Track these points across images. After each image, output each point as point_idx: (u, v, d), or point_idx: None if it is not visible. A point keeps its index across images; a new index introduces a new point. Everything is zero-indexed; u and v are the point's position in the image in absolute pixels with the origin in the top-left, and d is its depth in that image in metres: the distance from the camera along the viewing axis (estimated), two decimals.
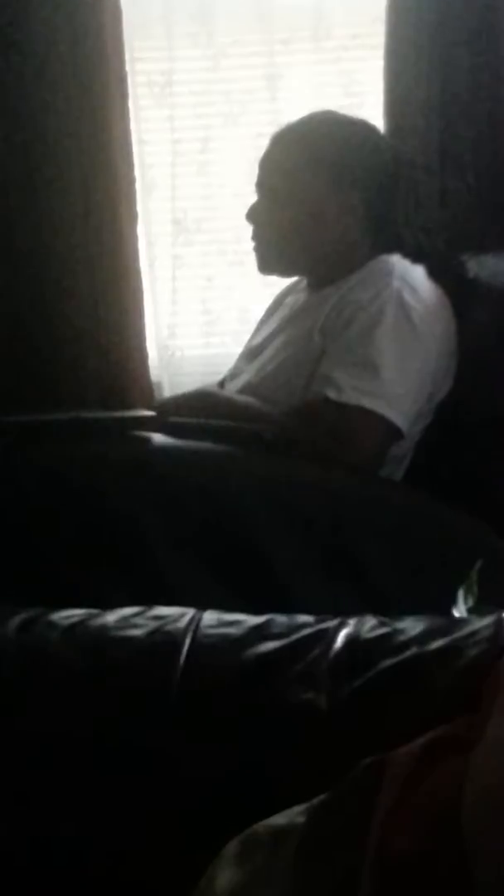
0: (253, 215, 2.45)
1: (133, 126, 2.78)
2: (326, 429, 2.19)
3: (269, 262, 2.47)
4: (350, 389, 2.20)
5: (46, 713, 1.18)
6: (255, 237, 2.46)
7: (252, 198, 2.48)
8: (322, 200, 2.39)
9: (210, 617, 1.23)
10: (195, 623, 1.21)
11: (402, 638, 1.17)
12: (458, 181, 2.73)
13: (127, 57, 2.74)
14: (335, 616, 1.21)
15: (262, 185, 2.45)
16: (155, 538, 2.03)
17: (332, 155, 2.38)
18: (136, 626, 1.22)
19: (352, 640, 1.18)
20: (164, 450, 2.13)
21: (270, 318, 2.60)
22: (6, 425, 2.20)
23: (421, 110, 2.70)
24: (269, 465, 2.15)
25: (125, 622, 1.23)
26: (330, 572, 2.03)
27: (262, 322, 2.63)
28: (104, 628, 1.23)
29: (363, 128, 2.47)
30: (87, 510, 2.05)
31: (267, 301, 2.67)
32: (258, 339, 2.56)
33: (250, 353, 2.55)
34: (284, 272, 2.52)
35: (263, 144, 2.50)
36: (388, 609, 1.26)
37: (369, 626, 1.19)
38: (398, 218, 2.42)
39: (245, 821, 1.03)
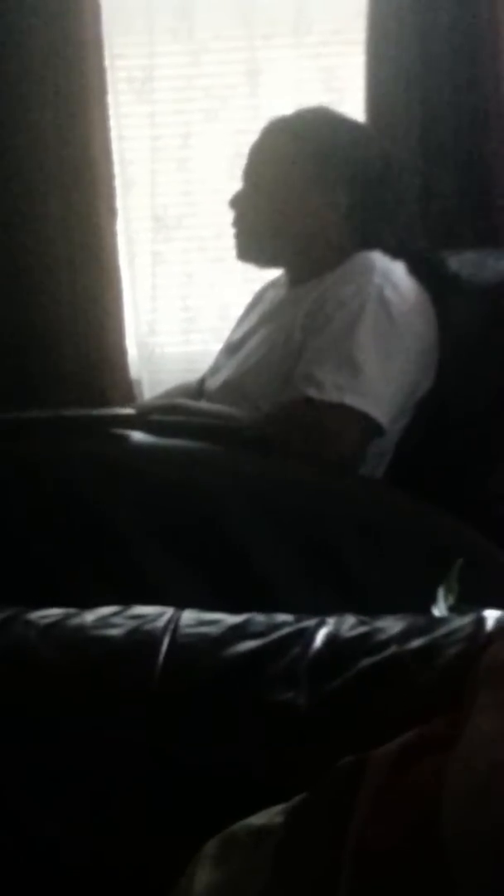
0: (235, 202, 2.44)
1: (113, 122, 2.78)
2: (307, 427, 2.19)
3: (247, 249, 2.46)
4: (331, 386, 2.20)
5: (23, 713, 1.17)
6: (236, 224, 2.45)
7: (232, 193, 2.47)
8: (305, 193, 2.39)
9: (189, 616, 1.22)
10: (174, 622, 1.21)
11: (381, 637, 1.16)
12: (439, 177, 2.73)
13: (106, 52, 2.74)
14: (314, 615, 1.21)
15: (248, 173, 2.45)
16: (135, 536, 2.02)
17: (321, 150, 2.38)
18: (114, 625, 1.22)
19: (331, 640, 1.17)
20: (144, 448, 2.12)
21: (250, 313, 2.59)
22: None
23: (401, 106, 2.70)
24: (249, 463, 2.14)
25: (103, 622, 1.23)
26: (310, 570, 2.03)
27: (243, 318, 2.62)
28: (82, 628, 1.23)
29: (356, 128, 2.47)
30: (68, 508, 2.04)
31: (247, 297, 2.67)
32: (238, 335, 2.55)
33: (230, 349, 2.54)
34: (261, 261, 2.51)
35: (244, 140, 2.49)
36: (368, 607, 1.26)
37: (349, 624, 1.19)
38: (383, 217, 2.42)
39: (224, 821, 1.03)
